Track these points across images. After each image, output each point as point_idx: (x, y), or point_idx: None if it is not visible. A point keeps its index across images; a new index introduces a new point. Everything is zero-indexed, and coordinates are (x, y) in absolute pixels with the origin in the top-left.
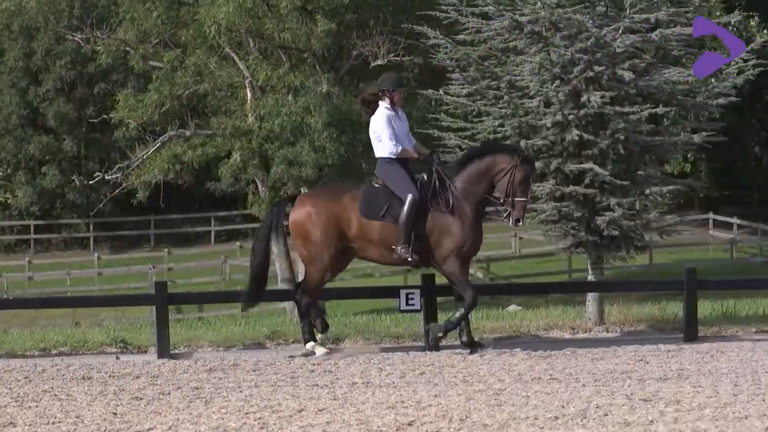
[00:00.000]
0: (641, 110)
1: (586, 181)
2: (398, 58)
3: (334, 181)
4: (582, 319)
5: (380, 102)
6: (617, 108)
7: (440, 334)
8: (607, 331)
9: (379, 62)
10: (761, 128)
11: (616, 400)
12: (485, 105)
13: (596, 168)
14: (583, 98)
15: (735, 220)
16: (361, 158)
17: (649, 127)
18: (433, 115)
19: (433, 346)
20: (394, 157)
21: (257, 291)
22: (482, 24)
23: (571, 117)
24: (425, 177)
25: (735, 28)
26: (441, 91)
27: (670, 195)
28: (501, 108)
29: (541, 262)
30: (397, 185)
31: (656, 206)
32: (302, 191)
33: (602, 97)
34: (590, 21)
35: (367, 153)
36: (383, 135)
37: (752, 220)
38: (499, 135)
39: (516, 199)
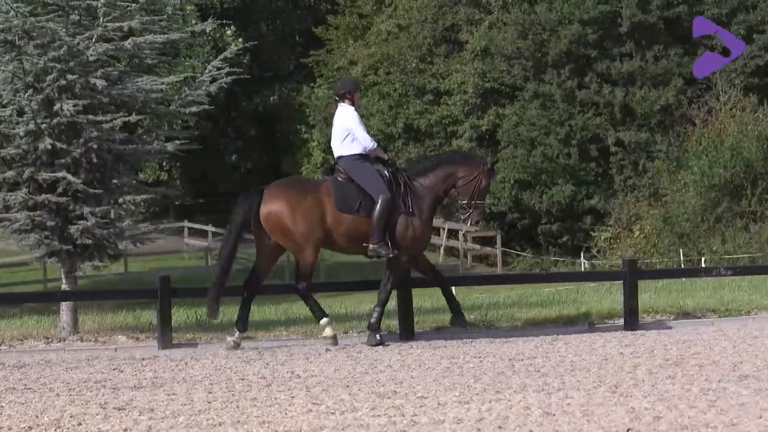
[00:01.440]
0: (114, 118)
1: (59, 189)
2: None
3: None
4: (56, 329)
5: (341, 104)
6: (90, 116)
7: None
8: (82, 341)
9: None
10: (237, 137)
11: (90, 410)
12: None
13: (69, 177)
14: (56, 107)
15: (210, 228)
16: None
17: (123, 135)
18: None
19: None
20: (367, 152)
21: (218, 298)
22: None
23: (44, 126)
24: (388, 175)
25: (210, 37)
26: None
27: (145, 203)
28: None
29: (15, 272)
30: (369, 184)
31: (130, 214)
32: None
33: (75, 105)
34: (63, 29)
35: None
36: (358, 132)
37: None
38: None
39: (478, 202)
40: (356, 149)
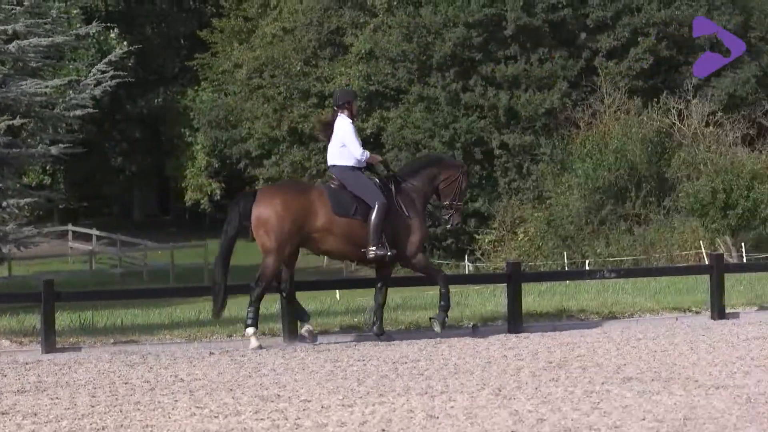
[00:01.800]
0: None
1: None
2: None
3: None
4: None
5: (339, 114)
6: None
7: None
8: None
9: None
10: (122, 139)
11: None
12: None
13: None
14: None
15: (94, 232)
16: None
17: (7, 138)
18: None
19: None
20: (362, 164)
21: (224, 300)
22: None
23: None
24: (378, 181)
25: (94, 40)
26: None
27: (29, 207)
28: None
29: None
30: (363, 192)
31: (14, 218)
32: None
33: None
34: None
35: None
36: (351, 143)
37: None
38: None
39: (457, 203)
40: (350, 161)
